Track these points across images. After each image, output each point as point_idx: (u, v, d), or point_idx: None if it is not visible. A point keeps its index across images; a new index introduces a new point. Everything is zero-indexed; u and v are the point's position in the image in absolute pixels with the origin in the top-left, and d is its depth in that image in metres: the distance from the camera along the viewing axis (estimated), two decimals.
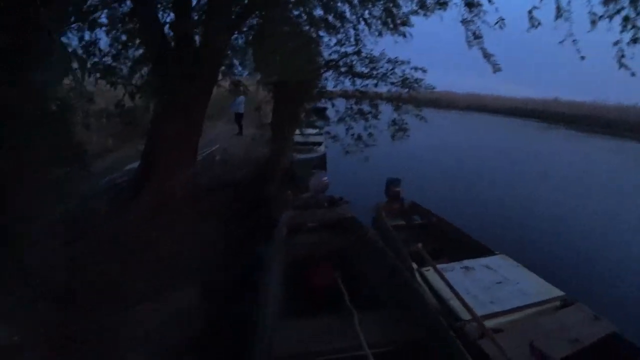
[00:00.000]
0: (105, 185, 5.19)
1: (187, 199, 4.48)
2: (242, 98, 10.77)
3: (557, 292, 3.33)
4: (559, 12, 3.73)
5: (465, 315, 2.86)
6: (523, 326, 2.89)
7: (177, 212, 4.13)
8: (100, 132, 7.63)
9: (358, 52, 5.01)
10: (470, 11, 3.86)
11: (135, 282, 2.91)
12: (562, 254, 5.06)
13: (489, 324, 2.79)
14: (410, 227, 4.72)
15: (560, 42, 3.83)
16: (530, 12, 4.07)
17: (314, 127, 8.00)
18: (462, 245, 4.32)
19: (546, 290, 3.36)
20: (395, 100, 4.81)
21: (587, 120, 25.41)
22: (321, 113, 7.41)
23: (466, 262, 3.70)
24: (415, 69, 4.65)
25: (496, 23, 3.76)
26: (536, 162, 12.82)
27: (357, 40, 5.05)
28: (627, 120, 23.39)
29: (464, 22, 3.96)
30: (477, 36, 3.97)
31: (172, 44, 4.24)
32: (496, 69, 4.03)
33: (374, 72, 4.95)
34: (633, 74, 3.64)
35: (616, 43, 3.76)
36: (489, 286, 3.36)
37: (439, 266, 3.47)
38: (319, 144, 8.95)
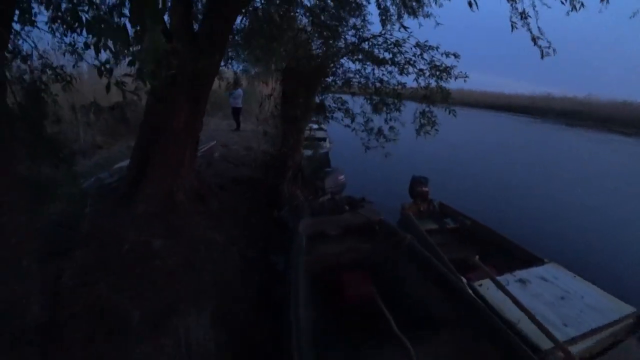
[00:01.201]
0: (93, 186, 4.55)
1: (191, 200, 3.89)
2: (240, 91, 10.16)
3: (629, 309, 2.89)
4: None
5: (544, 343, 2.38)
6: (612, 355, 2.43)
7: (180, 216, 3.54)
8: (88, 127, 7.00)
9: (379, 35, 4.48)
10: None
11: (134, 308, 2.32)
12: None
13: (573, 351, 2.33)
14: (442, 231, 4.22)
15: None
16: None
17: (315, 121, 7.51)
18: (504, 252, 3.85)
19: (616, 307, 2.92)
20: (425, 90, 4.27)
21: (581, 115, 25.56)
22: (319, 106, 6.96)
23: (519, 274, 3.22)
24: (447, 54, 4.12)
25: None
26: (533, 155, 12.96)
27: (382, 21, 4.54)
28: (619, 116, 23.72)
29: None
30: (524, 16, 3.49)
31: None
32: (545, 53, 3.56)
33: (398, 58, 4.43)
34: None
35: None
36: (553, 302, 2.88)
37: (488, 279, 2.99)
38: (323, 139, 8.41)
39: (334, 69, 4.96)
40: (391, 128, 4.77)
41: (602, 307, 2.88)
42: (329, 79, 5.15)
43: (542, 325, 2.46)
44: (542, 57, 3.57)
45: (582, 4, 3.78)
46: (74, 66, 3.51)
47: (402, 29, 4.35)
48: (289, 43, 4.21)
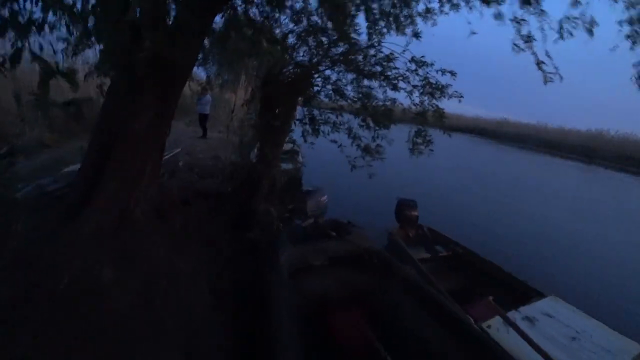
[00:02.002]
0: (31, 194, 3.77)
1: (151, 217, 3.30)
2: (208, 97, 9.58)
3: (636, 346, 2.74)
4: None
5: None
6: None
7: (137, 238, 2.94)
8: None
9: (371, 46, 4.22)
10: (526, 9, 3.26)
11: None
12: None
13: None
14: (435, 259, 3.94)
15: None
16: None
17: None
18: (498, 283, 3.63)
19: (625, 345, 2.77)
20: (418, 107, 4.02)
21: (535, 141, 27.58)
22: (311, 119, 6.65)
23: (523, 310, 2.98)
24: (443, 71, 3.92)
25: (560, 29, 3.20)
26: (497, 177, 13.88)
27: (370, 34, 4.29)
28: (567, 142, 25.91)
29: (515, 20, 3.34)
30: (529, 39, 3.37)
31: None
32: (548, 79, 3.45)
33: (390, 72, 4.18)
34: None
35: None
36: (566, 344, 2.65)
37: (496, 318, 2.71)
38: (297, 152, 8.02)
39: (319, 80, 4.61)
40: (378, 146, 4.47)
41: (612, 348, 2.72)
42: (315, 89, 4.79)
43: None
44: (545, 82, 3.46)
45: (571, 34, 3.79)
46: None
47: (394, 43, 4.14)
48: (268, 53, 3.82)
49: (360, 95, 4.54)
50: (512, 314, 2.87)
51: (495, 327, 2.66)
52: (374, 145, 4.52)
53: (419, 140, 4.05)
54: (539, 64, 3.40)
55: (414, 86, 4.08)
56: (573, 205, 10.91)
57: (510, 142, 28.80)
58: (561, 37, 3.22)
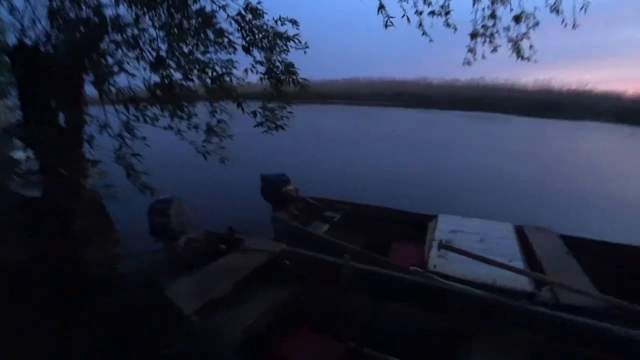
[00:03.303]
0: None
1: None
2: None
3: (509, 225, 3.35)
4: None
5: (525, 286, 2.36)
6: None
7: None
8: None
9: None
10: None
11: None
12: None
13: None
14: (334, 227, 3.55)
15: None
16: None
17: None
18: (400, 222, 3.68)
19: (505, 227, 3.34)
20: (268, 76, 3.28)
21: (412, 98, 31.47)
22: None
23: (437, 236, 3.06)
24: (281, 21, 3.28)
25: None
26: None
27: None
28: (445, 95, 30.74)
29: None
30: None
31: None
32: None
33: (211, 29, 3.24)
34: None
35: None
36: (481, 247, 2.85)
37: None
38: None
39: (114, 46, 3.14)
40: (220, 123, 3.57)
41: (502, 234, 3.16)
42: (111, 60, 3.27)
43: (520, 270, 2.45)
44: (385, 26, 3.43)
45: None
46: None
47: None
48: None
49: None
50: (433, 244, 2.91)
51: (432, 263, 2.61)
52: (214, 123, 3.60)
53: (268, 114, 3.41)
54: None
55: (250, 43, 3.32)
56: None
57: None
58: None
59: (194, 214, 2.95)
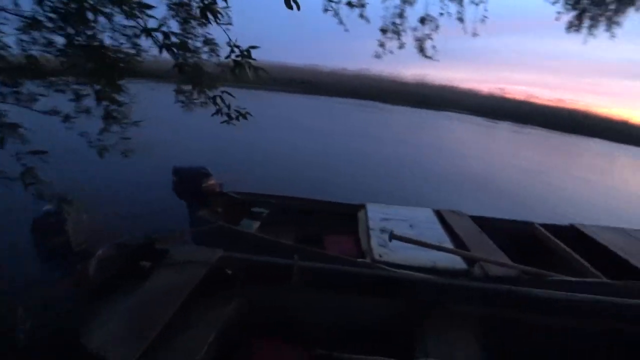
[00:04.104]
0: None
1: None
2: None
3: (429, 210, 3.61)
4: None
5: (459, 265, 2.55)
6: None
7: None
8: None
9: None
10: None
11: None
12: None
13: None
14: (265, 223, 3.22)
15: None
16: None
17: None
18: (332, 214, 3.62)
19: (427, 212, 3.57)
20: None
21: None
22: None
23: (373, 225, 3.09)
24: None
25: None
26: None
27: None
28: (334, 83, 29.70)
29: None
30: None
31: None
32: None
33: None
34: None
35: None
36: (412, 233, 2.99)
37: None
38: None
39: None
40: (120, 105, 2.87)
41: (426, 218, 3.38)
42: None
43: (455, 250, 2.65)
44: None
45: None
46: None
47: None
48: None
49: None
50: (372, 234, 2.94)
51: (377, 253, 2.61)
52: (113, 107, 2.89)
53: (183, 99, 2.89)
54: None
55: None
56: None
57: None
58: None
59: (97, 224, 2.32)
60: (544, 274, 2.55)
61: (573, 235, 3.56)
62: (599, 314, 2.24)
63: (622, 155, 20.50)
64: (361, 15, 5.43)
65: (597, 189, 10.80)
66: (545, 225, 3.66)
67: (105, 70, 2.64)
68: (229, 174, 4.44)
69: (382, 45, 5.55)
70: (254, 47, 2.15)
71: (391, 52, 5.60)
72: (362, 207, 3.53)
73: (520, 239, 3.55)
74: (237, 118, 2.38)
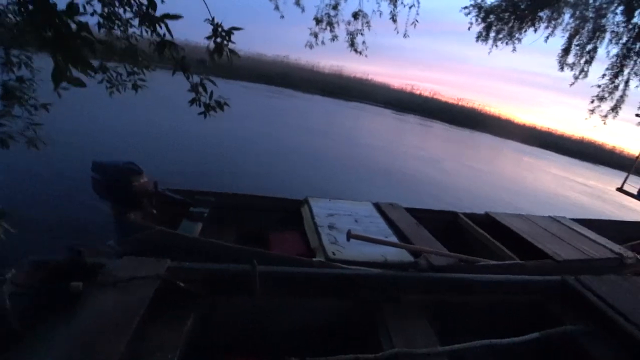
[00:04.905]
0: None
1: None
2: None
3: (368, 204, 3.74)
4: None
5: (406, 257, 2.70)
6: None
7: None
8: None
9: None
10: None
11: None
12: None
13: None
14: (207, 222, 2.92)
15: None
16: None
17: None
18: (275, 210, 3.50)
19: (367, 205, 3.68)
20: None
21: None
22: None
23: (320, 221, 3.08)
24: None
25: None
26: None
27: None
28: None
29: None
30: None
31: None
32: None
33: None
34: None
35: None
36: (358, 228, 3.07)
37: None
38: None
39: None
40: (20, 81, 2.31)
41: (366, 212, 3.51)
42: None
43: (403, 245, 2.80)
44: None
45: None
46: None
47: None
48: None
49: None
50: (319, 230, 2.92)
51: (330, 251, 2.61)
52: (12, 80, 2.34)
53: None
54: None
55: None
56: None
57: None
58: None
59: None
60: (474, 260, 2.89)
61: (488, 221, 4.09)
62: (520, 289, 2.61)
63: (505, 148, 24.28)
64: (297, 3, 5.32)
65: (482, 177, 12.63)
66: (466, 214, 4.13)
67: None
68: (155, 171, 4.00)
69: (315, 35, 5.53)
70: (236, 29, 1.91)
71: (323, 43, 5.62)
72: (305, 202, 3.51)
73: (447, 227, 3.94)
74: (214, 109, 2.10)
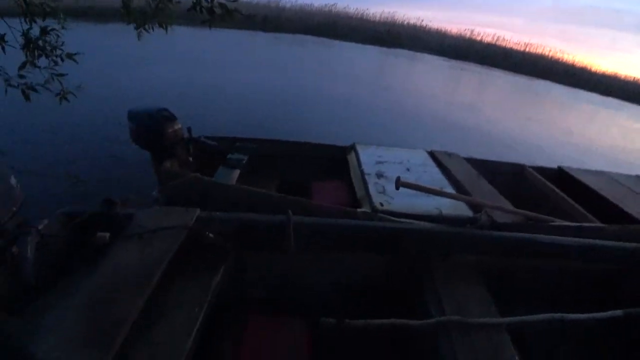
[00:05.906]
0: None
1: None
2: None
3: (423, 152, 3.41)
4: None
5: (466, 212, 2.36)
6: None
7: None
8: None
9: None
10: None
11: None
12: None
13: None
14: (250, 172, 2.84)
15: None
16: None
17: None
18: (319, 158, 3.32)
19: (421, 154, 3.35)
20: None
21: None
22: None
23: (367, 170, 2.81)
24: None
25: None
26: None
27: None
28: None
29: None
30: None
31: None
32: None
33: None
34: None
35: None
36: (410, 177, 2.76)
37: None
38: None
39: None
40: (46, 33, 2.21)
41: (421, 161, 3.16)
42: None
43: (460, 196, 2.45)
44: None
45: None
46: None
47: None
48: None
49: None
50: (366, 179, 2.66)
51: (377, 201, 2.36)
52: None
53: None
54: None
55: None
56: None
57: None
58: None
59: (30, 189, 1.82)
60: (545, 219, 2.46)
61: (561, 177, 3.52)
62: (598, 257, 2.19)
63: (578, 101, 21.35)
64: None
65: (551, 130, 11.23)
66: (534, 167, 3.59)
67: None
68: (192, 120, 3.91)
69: None
70: None
71: None
72: (352, 148, 3.23)
73: (512, 181, 3.46)
74: (221, 16, 1.84)
